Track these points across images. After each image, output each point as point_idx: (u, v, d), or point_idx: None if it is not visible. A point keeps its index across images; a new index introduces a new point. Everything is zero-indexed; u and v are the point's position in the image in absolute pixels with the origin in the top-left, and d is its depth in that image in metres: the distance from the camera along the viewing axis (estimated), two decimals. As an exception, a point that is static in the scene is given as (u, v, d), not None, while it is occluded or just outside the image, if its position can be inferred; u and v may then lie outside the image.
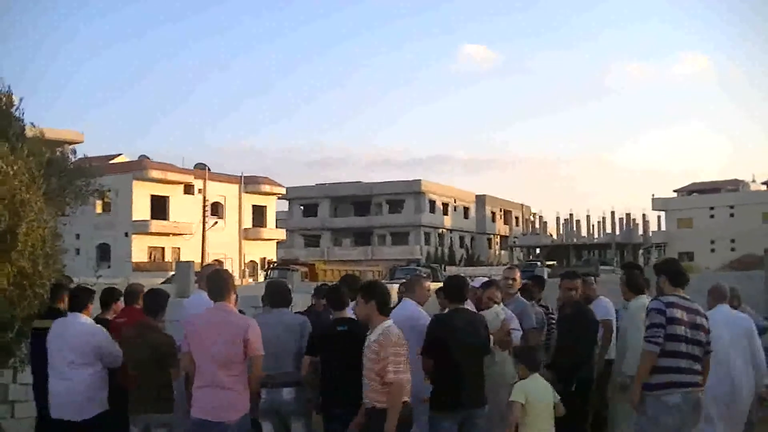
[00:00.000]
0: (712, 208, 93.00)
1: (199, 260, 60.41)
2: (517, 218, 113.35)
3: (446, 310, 7.87)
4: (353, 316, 7.28)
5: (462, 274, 11.71)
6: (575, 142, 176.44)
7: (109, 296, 9.29)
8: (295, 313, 8.91)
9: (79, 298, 8.16)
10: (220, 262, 66.30)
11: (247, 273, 69.60)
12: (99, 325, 8.11)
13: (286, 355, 7.43)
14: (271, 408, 7.53)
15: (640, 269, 9.81)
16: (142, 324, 7.80)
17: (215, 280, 6.93)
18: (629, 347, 8.47)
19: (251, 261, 75.35)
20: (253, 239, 76.58)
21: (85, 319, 8.01)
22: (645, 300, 8.54)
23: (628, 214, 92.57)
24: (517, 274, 10.29)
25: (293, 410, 7.51)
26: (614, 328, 9.68)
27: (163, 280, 34.36)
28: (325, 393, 7.24)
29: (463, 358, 7.26)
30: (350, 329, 7.14)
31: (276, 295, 8.15)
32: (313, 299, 10.51)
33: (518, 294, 10.03)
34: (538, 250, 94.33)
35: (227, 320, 6.62)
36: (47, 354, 8.01)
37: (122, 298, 9.54)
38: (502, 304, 9.08)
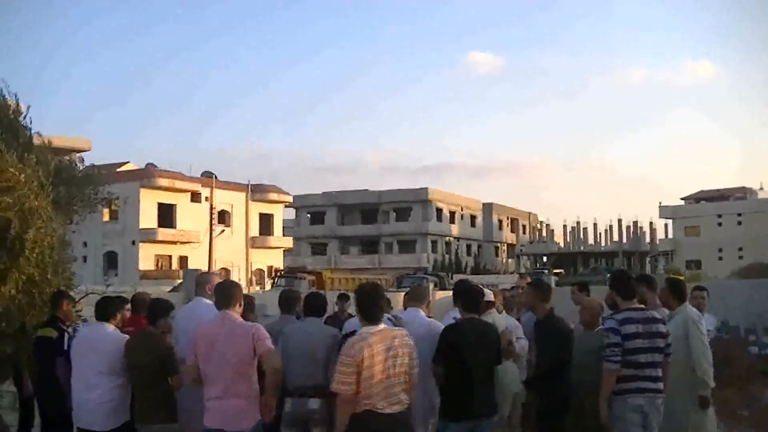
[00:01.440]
0: (719, 216, 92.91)
1: (206, 268, 60.49)
2: (524, 226, 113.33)
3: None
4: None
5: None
6: (582, 150, 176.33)
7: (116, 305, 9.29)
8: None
9: (107, 308, 8.06)
10: (227, 271, 66.53)
11: (254, 281, 69.65)
12: (125, 336, 8.04)
13: (317, 365, 7.31)
14: (296, 417, 7.40)
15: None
16: (143, 333, 7.75)
17: (221, 290, 7.05)
18: (695, 356, 8.22)
19: (258, 269, 75.41)
20: (260, 247, 76.60)
21: (113, 329, 7.93)
22: (689, 309, 8.50)
23: (635, 222, 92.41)
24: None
25: (318, 419, 7.42)
26: None
27: (170, 288, 34.40)
28: None
29: (474, 367, 7.22)
30: None
31: (309, 304, 8.09)
32: (337, 306, 10.53)
33: None
34: (545, 258, 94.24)
35: (233, 328, 6.68)
36: (70, 362, 7.99)
37: (129, 307, 9.53)
38: (505, 312, 9.05)
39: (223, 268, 68.96)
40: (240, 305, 6.96)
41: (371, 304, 6.30)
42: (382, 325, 6.26)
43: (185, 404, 7.39)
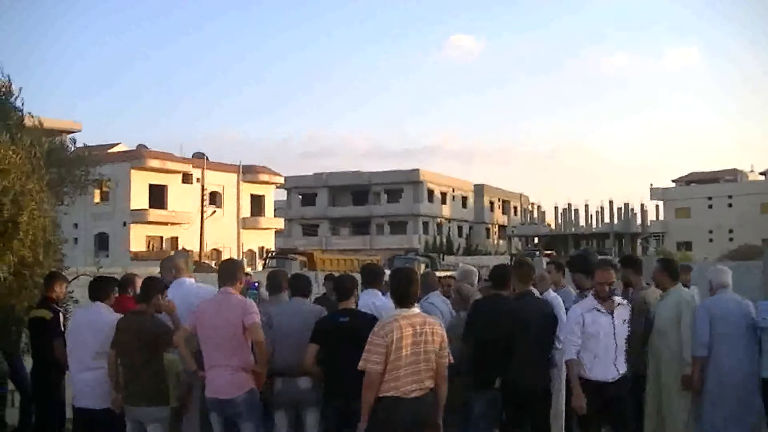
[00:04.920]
0: (710, 198, 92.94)
1: (198, 249, 60.46)
2: (515, 208, 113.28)
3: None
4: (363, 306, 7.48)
5: (466, 264, 11.53)
6: (573, 132, 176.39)
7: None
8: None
9: (101, 288, 8.11)
10: (218, 252, 66.23)
11: (245, 262, 69.54)
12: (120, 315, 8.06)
13: (305, 345, 7.35)
14: (288, 398, 7.50)
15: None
16: (134, 312, 7.67)
17: (223, 268, 7.57)
18: (684, 337, 8.22)
19: (249, 250, 75.30)
20: (252, 228, 76.44)
21: (107, 309, 7.97)
22: (683, 290, 8.57)
23: (626, 204, 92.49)
24: None
25: (309, 400, 7.50)
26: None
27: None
28: (327, 385, 7.25)
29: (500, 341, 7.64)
30: (351, 320, 7.10)
31: (294, 284, 8.16)
32: (325, 287, 10.63)
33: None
34: (536, 240, 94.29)
35: (227, 303, 7.07)
36: (66, 344, 8.06)
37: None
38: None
39: (214, 249, 68.95)
40: (240, 282, 7.35)
41: (404, 289, 6.40)
42: (415, 310, 6.37)
43: None
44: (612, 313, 7.53)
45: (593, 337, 7.41)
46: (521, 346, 7.72)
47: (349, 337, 6.72)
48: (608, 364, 7.49)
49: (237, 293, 7.22)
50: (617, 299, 7.69)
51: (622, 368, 7.58)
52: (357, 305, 7.65)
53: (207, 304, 7.21)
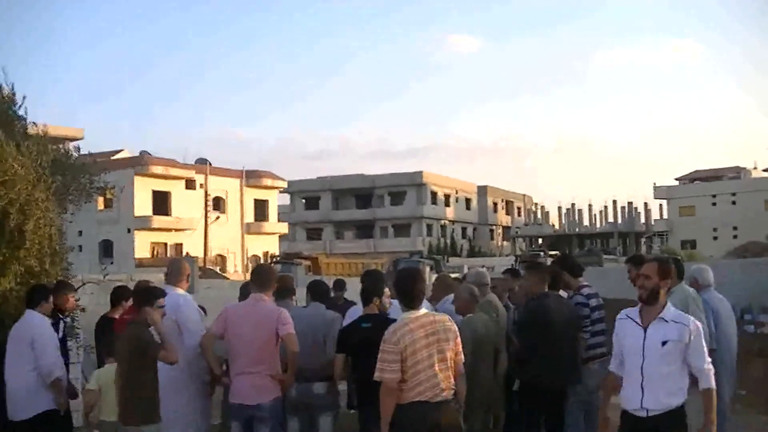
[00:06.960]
0: (714, 196, 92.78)
1: (202, 255, 60.48)
2: (519, 208, 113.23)
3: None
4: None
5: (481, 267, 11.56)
6: (576, 132, 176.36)
7: (119, 295, 9.21)
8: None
9: (33, 296, 7.97)
10: (223, 258, 66.05)
11: (249, 267, 69.56)
12: (45, 323, 7.87)
13: (319, 349, 7.40)
14: (302, 402, 7.50)
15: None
16: (128, 325, 7.26)
17: (257, 274, 7.58)
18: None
19: (254, 255, 75.30)
20: (256, 233, 76.59)
21: (35, 316, 7.81)
22: (687, 287, 8.64)
23: (630, 203, 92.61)
24: None
25: (324, 405, 7.51)
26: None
27: (166, 275, 34.30)
28: (360, 391, 7.21)
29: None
30: (374, 326, 6.86)
31: (313, 290, 8.21)
32: (333, 293, 10.63)
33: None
34: (540, 240, 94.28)
35: (261, 310, 7.11)
36: (63, 350, 8.04)
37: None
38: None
39: (218, 255, 68.98)
40: (273, 289, 7.41)
41: (410, 289, 6.13)
42: (422, 310, 6.11)
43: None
44: (646, 328, 5.86)
45: (623, 351, 6.05)
46: (545, 345, 7.81)
47: (374, 344, 6.35)
48: (632, 391, 5.86)
49: (270, 301, 7.26)
50: (673, 313, 5.90)
51: (653, 403, 5.75)
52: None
53: (238, 309, 7.30)
